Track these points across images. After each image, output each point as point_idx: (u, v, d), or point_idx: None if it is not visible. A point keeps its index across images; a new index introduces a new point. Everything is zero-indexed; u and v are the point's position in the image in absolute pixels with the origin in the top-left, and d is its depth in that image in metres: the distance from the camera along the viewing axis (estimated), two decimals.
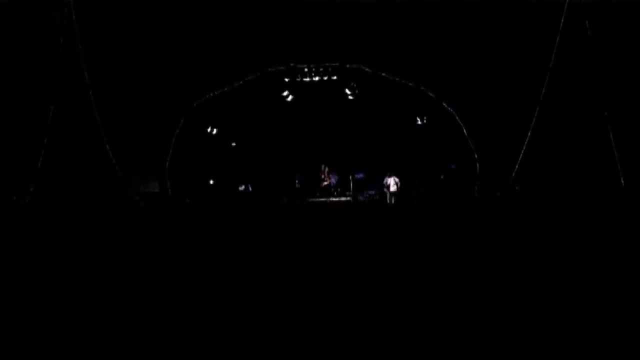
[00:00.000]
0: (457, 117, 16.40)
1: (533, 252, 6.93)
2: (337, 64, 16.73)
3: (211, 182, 18.01)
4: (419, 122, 17.89)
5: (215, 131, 18.00)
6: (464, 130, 16.57)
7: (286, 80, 17.19)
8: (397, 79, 16.47)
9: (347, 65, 16.67)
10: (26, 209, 13.19)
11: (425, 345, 3.52)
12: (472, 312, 4.23)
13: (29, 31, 13.55)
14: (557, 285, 5.06)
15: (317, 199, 18.60)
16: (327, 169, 19.48)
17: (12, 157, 13.25)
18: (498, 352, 3.38)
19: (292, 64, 16.83)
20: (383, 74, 16.49)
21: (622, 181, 11.77)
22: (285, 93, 17.69)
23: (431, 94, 16.64)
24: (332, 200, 18.53)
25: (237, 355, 3.48)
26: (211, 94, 16.84)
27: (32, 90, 13.72)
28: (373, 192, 18.49)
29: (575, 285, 5.03)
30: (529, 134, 14.02)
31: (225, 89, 16.80)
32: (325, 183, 19.36)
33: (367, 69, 16.52)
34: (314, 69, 16.91)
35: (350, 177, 19.29)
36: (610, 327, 3.69)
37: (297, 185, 18.87)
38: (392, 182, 17.05)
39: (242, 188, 18.85)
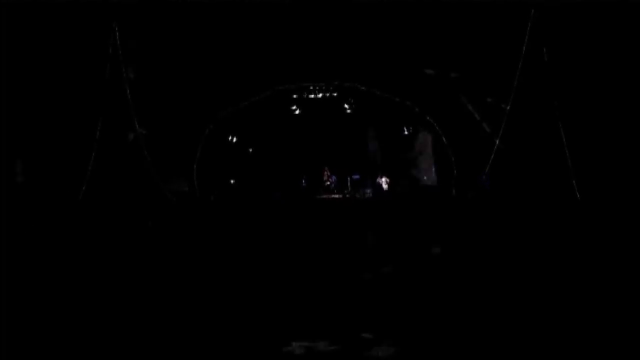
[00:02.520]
0: (437, 127, 17.87)
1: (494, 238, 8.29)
2: (336, 83, 18.21)
3: (232, 181, 19.53)
4: (406, 132, 19.33)
5: (235, 139, 19.41)
6: (443, 138, 17.71)
7: (294, 96, 18.77)
8: (387, 96, 17.80)
9: (345, 84, 18.08)
10: (79, 203, 14.52)
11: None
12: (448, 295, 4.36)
13: (79, 54, 14.67)
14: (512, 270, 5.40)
15: (322, 196, 19.86)
16: (328, 171, 20.90)
17: (68, 162, 14.83)
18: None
19: (299, 84, 18.29)
20: (375, 91, 17.84)
21: (574, 180, 14.23)
22: (293, 107, 19.22)
23: (416, 108, 17.95)
24: (333, 197, 19.95)
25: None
26: (232, 108, 18.10)
27: (83, 107, 15.21)
28: (368, 191, 19.81)
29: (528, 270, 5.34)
30: (497, 142, 15.59)
31: (245, 103, 18.11)
32: (327, 183, 20.73)
33: (362, 87, 17.92)
34: (317, 88, 18.53)
35: (348, 178, 20.70)
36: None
37: (303, 184, 20.32)
38: (383, 182, 18.87)
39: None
